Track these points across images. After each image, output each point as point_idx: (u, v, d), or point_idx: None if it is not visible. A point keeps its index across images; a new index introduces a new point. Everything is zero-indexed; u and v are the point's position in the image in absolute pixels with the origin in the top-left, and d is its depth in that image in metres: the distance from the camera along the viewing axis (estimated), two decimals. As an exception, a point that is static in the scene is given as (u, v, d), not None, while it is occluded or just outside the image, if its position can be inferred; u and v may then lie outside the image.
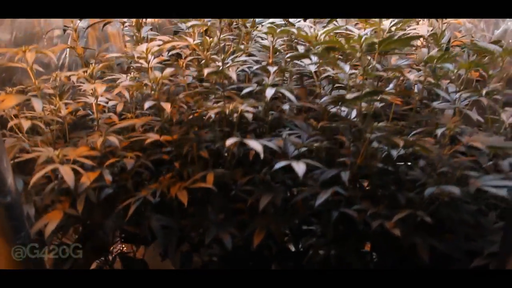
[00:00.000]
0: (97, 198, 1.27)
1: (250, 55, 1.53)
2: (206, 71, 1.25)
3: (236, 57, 1.42)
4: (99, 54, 1.78)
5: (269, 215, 1.28)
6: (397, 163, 1.29)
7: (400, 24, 1.54)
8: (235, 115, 1.19)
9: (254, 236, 1.25)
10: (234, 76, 1.27)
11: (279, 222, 1.28)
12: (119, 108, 1.42)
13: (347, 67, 1.28)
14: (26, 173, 1.29)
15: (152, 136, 1.29)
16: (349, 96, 1.18)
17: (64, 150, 1.22)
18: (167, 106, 1.29)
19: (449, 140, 1.29)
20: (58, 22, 1.88)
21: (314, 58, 1.31)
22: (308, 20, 1.62)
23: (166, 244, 1.31)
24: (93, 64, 1.72)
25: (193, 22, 1.43)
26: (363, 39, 1.20)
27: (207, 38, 1.45)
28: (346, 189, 1.23)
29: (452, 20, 1.71)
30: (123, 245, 1.63)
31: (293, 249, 1.45)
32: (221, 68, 1.33)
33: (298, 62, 1.47)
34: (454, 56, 1.34)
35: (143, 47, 1.34)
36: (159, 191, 1.23)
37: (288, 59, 1.40)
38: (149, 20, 1.82)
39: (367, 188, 1.33)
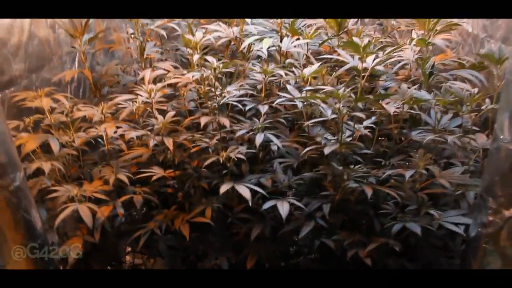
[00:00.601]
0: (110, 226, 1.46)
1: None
2: (202, 120, 1.40)
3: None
4: (108, 72, 1.92)
5: (260, 241, 1.47)
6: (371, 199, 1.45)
7: (387, 52, 1.65)
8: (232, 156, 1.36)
9: (247, 260, 1.45)
10: (227, 124, 1.42)
11: (269, 248, 1.48)
12: (128, 136, 1.58)
13: (329, 112, 1.42)
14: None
15: (158, 173, 1.47)
16: (327, 150, 1.33)
17: (81, 189, 1.40)
18: (169, 144, 1.46)
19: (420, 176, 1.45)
20: (67, 40, 2.01)
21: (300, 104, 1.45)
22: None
23: (172, 263, 1.52)
24: (99, 86, 1.88)
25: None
26: (341, 95, 1.33)
27: (204, 70, 1.58)
28: (326, 220, 1.42)
29: (437, 40, 1.80)
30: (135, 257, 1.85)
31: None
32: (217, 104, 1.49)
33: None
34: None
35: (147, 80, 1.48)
36: (165, 224, 1.42)
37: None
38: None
39: (345, 218, 1.51)
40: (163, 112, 1.58)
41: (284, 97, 1.50)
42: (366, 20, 2.21)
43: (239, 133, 1.44)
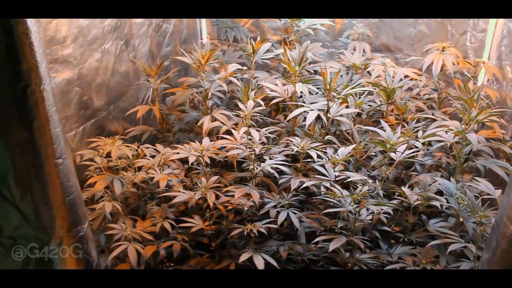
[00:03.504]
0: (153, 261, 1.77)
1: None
2: (237, 194, 1.64)
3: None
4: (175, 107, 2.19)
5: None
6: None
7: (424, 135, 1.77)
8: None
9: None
10: (257, 199, 1.65)
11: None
12: (179, 187, 1.85)
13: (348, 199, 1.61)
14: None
15: (198, 224, 1.74)
16: (332, 245, 1.52)
17: (133, 230, 1.71)
18: (210, 201, 1.71)
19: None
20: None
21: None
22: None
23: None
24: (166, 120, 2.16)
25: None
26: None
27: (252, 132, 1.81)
28: None
29: (473, 136, 1.86)
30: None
31: None
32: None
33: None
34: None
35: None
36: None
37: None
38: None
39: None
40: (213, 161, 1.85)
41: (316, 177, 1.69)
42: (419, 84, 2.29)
43: (265, 208, 1.67)
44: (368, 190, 1.65)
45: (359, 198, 1.55)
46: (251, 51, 2.21)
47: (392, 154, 1.72)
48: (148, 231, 1.75)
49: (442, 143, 1.93)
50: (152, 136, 2.22)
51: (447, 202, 1.71)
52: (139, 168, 1.91)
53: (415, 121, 2.01)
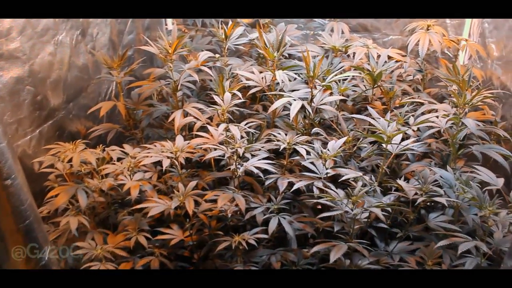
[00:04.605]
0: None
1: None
2: (220, 202, 1.46)
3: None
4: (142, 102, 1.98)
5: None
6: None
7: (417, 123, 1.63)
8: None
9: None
10: (243, 206, 1.48)
11: None
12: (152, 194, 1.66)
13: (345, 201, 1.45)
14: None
15: (177, 235, 1.55)
16: (333, 255, 1.37)
17: (104, 248, 1.51)
18: (190, 208, 1.53)
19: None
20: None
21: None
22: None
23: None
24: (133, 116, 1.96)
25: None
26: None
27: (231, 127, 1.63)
28: None
29: (470, 121, 1.75)
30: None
31: None
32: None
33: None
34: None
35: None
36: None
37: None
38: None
39: None
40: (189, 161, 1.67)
41: (305, 175, 1.53)
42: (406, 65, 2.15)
43: (253, 232, 1.50)
44: (363, 186, 1.50)
45: (359, 200, 1.40)
46: (223, 36, 2.01)
47: (389, 146, 1.57)
48: (121, 246, 1.56)
49: (434, 129, 1.80)
50: (118, 134, 2.00)
51: (446, 194, 1.59)
52: (106, 174, 1.70)
53: (405, 106, 1.88)
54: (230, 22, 2.08)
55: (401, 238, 1.64)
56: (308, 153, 1.55)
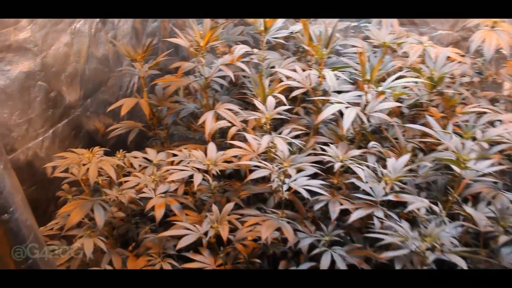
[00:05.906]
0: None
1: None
2: (264, 233, 1.23)
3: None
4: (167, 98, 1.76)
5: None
6: None
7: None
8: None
9: None
10: (291, 238, 1.25)
11: None
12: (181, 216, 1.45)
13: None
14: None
15: (209, 264, 1.35)
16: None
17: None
18: (224, 235, 1.32)
19: None
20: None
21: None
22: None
23: None
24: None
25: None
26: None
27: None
28: None
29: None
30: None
31: None
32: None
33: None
34: None
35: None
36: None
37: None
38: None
39: None
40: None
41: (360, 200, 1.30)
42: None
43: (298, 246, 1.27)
44: (428, 215, 1.27)
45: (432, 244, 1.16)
46: (263, 28, 1.76)
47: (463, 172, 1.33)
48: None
49: (505, 146, 1.56)
50: (140, 132, 1.78)
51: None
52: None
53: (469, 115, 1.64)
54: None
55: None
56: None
